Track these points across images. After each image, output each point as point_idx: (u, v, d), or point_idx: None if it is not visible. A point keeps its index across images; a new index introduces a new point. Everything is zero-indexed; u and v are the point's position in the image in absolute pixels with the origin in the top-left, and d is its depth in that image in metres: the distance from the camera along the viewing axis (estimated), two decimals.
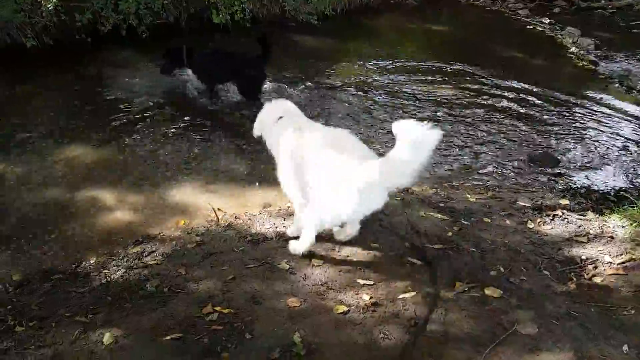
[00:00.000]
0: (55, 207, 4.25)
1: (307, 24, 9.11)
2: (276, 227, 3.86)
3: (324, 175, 3.14)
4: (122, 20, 7.60)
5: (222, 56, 6.27)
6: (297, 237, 3.50)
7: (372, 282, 3.18)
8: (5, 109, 5.75)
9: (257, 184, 4.70)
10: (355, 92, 6.83)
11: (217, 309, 2.93)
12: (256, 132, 3.75)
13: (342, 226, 3.52)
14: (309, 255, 3.46)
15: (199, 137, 5.51)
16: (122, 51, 7.39)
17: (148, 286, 3.18)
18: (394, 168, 2.85)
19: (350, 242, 3.58)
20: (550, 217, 4.12)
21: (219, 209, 4.16)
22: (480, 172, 5.25)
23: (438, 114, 6.38)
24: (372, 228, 3.75)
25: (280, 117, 3.58)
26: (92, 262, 3.56)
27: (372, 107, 6.43)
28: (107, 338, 2.70)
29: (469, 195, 4.50)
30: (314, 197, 3.26)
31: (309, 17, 9.16)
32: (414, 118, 6.05)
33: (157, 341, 2.68)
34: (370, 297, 3.03)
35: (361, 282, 3.19)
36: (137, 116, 5.80)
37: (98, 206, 4.31)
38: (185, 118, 5.87)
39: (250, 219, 4.00)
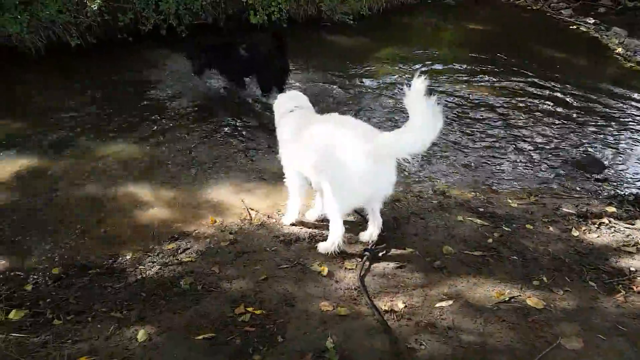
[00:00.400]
0: (94, 202, 4.33)
1: (343, 23, 9.06)
2: (308, 228, 3.82)
3: (332, 153, 3.20)
4: (162, 20, 7.74)
5: (244, 52, 6.31)
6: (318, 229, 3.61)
7: (407, 289, 3.09)
8: (48, 105, 5.91)
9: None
10: (390, 92, 6.73)
11: (250, 309, 2.91)
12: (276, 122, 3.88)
13: (366, 219, 3.50)
14: (342, 257, 3.41)
15: (234, 136, 5.53)
16: (162, 50, 7.51)
17: (182, 283, 3.19)
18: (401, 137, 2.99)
19: (384, 246, 3.50)
20: (596, 225, 3.94)
21: (251, 208, 4.15)
22: (521, 175, 5.07)
23: (476, 115, 6.21)
24: (407, 232, 3.66)
25: (293, 110, 3.68)
26: (128, 257, 3.61)
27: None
28: (141, 335, 2.71)
29: (510, 200, 4.35)
30: (325, 182, 3.28)
31: (344, 17, 9.11)
32: (450, 118, 5.99)
33: (189, 340, 2.68)
34: (405, 305, 2.94)
35: (396, 288, 3.11)
36: (175, 114, 5.87)
37: (135, 202, 4.37)
38: (222, 117, 5.91)
39: (293, 224, 3.95)
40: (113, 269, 3.46)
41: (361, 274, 3.21)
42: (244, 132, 5.61)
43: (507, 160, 5.32)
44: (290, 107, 3.73)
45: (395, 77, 7.25)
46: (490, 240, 3.61)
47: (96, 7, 7.19)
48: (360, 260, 3.38)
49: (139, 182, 4.62)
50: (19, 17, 6.68)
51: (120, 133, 5.44)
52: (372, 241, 3.51)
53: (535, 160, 5.35)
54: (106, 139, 5.33)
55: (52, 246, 3.81)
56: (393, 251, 3.48)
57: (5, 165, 4.75)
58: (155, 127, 5.58)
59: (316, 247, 3.51)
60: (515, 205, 4.27)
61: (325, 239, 3.52)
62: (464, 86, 7.02)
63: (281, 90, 6.02)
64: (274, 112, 3.89)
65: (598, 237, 3.77)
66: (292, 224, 3.86)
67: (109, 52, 7.33)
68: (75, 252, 3.73)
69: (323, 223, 3.77)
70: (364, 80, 7.09)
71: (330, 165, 3.23)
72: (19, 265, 3.61)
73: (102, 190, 4.48)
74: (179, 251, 3.63)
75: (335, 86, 6.75)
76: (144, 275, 3.32)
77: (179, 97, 6.29)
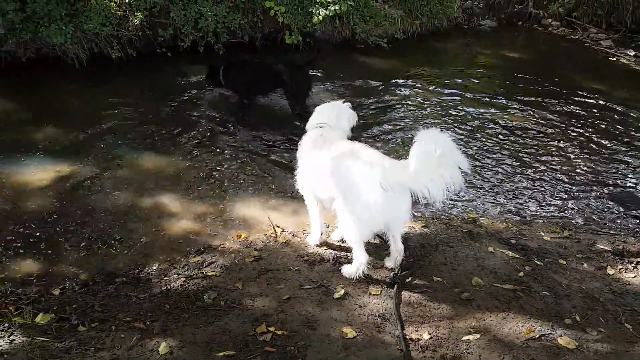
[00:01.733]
0: (124, 211, 4.41)
1: (377, 46, 9.10)
2: (333, 250, 3.78)
3: (346, 182, 3.18)
4: (201, 37, 7.93)
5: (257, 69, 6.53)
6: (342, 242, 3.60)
7: (433, 319, 3.01)
8: (87, 114, 6.08)
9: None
10: (421, 115, 6.69)
11: (271, 329, 2.88)
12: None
13: (387, 245, 3.47)
14: (366, 281, 3.36)
15: (265, 152, 5.57)
16: (199, 66, 7.66)
17: (205, 297, 3.19)
18: (407, 169, 2.96)
19: (410, 272, 3.43)
20: (633, 265, 3.78)
21: (277, 225, 4.15)
22: (555, 208, 4.93)
23: (509, 143, 6.10)
24: (435, 260, 3.59)
25: (319, 126, 3.64)
26: (154, 268, 3.64)
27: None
28: (162, 348, 2.70)
29: (542, 233, 4.22)
30: (341, 209, 3.26)
31: (379, 40, 9.15)
32: (482, 145, 5.90)
33: (210, 357, 2.66)
34: (431, 336, 2.86)
35: (421, 318, 3.03)
36: (208, 129, 5.96)
37: (164, 213, 4.43)
38: (254, 133, 5.96)
39: (317, 245, 3.91)
40: (139, 278, 3.49)
41: (397, 302, 3.15)
42: (275, 149, 5.64)
43: (541, 191, 5.19)
44: (315, 123, 3.69)
45: (427, 99, 7.21)
46: (521, 274, 3.50)
47: (138, 22, 7.43)
48: (384, 286, 3.32)
49: (169, 194, 4.68)
50: (64, 28, 6.95)
51: (153, 144, 5.55)
52: (397, 267, 3.44)
53: (570, 193, 5.20)
54: (140, 149, 5.43)
55: (82, 252, 3.89)
56: (420, 279, 3.40)
57: (44, 170, 4.89)
58: (188, 141, 5.67)
59: (340, 269, 3.47)
60: (548, 238, 4.15)
61: (349, 261, 3.48)
62: (497, 113, 6.92)
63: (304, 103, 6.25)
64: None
65: (635, 277, 3.62)
66: (317, 244, 3.83)
67: (148, 66, 7.53)
68: (103, 260, 3.79)
69: (348, 244, 3.72)
70: (392, 102, 7.07)
71: (344, 194, 3.23)
72: (49, 269, 3.68)
73: (133, 200, 4.56)
74: (204, 264, 3.64)
75: (363, 107, 6.76)
76: (169, 287, 3.33)
77: (212, 112, 6.39)
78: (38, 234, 4.06)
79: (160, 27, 7.76)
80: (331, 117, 3.72)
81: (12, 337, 2.75)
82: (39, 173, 4.83)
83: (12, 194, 4.52)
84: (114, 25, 7.37)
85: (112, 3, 7.28)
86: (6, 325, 2.85)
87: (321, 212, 3.74)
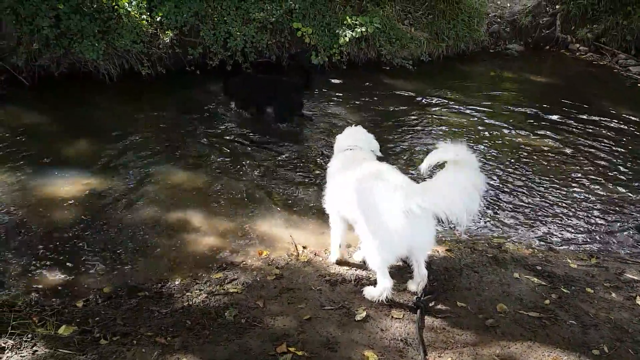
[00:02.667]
0: (149, 226, 4.46)
1: (403, 68, 9.14)
2: (355, 270, 3.75)
3: (369, 204, 3.17)
4: (229, 56, 8.10)
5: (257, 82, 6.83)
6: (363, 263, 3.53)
7: (456, 346, 2.95)
8: (116, 129, 6.21)
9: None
10: (444, 138, 6.65)
11: (292, 349, 2.86)
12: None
13: (410, 267, 3.43)
14: (388, 304, 3.31)
15: (290, 170, 5.60)
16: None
17: (227, 315, 3.19)
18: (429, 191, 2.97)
19: (433, 296, 3.38)
20: None
21: (300, 244, 4.14)
22: (582, 235, 4.82)
23: (536, 168, 6.00)
24: (459, 285, 3.53)
25: (348, 149, 3.66)
26: (176, 283, 3.66)
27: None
28: None
29: (569, 260, 4.12)
30: (364, 233, 3.25)
31: (404, 62, 9.20)
32: (507, 170, 5.82)
33: None
34: None
35: (445, 344, 2.97)
36: (233, 146, 6.03)
37: (187, 228, 4.47)
38: (279, 151, 6.01)
39: (334, 263, 3.90)
40: (161, 293, 3.51)
41: (420, 326, 3.10)
42: (300, 167, 5.67)
43: (568, 218, 5.08)
44: (345, 146, 3.72)
45: (450, 122, 7.17)
46: (547, 302, 3.41)
47: (168, 40, 7.62)
48: (407, 310, 3.27)
49: (194, 209, 4.73)
50: (96, 44, 7.17)
51: (179, 160, 5.63)
52: (420, 292, 3.39)
53: (599, 220, 5.08)
54: (166, 165, 5.52)
55: (106, 265, 3.93)
56: (443, 304, 3.34)
57: (73, 183, 4.99)
58: (214, 157, 5.75)
59: (362, 290, 3.43)
60: (575, 266, 4.05)
61: (371, 282, 3.45)
62: (524, 137, 6.85)
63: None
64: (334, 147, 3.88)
65: None
66: (338, 262, 3.83)
67: (177, 83, 7.70)
68: (127, 273, 3.83)
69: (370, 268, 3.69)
70: (416, 124, 7.05)
71: (366, 217, 3.21)
72: (73, 280, 3.74)
73: (159, 214, 4.61)
74: (226, 281, 3.65)
75: (386, 128, 6.77)
76: (191, 303, 3.35)
77: (238, 130, 6.47)
78: (64, 245, 4.13)
79: (189, 45, 7.97)
80: (361, 139, 3.77)
81: (34, 349, 2.78)
82: (67, 186, 4.94)
83: (40, 205, 4.62)
84: (144, 43, 7.57)
85: (144, 21, 7.50)
86: (29, 336, 2.88)
87: (345, 232, 3.73)
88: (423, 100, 7.95)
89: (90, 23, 7.14)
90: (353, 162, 3.50)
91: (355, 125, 3.97)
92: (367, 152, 3.70)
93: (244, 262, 3.94)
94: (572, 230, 4.89)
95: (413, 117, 7.29)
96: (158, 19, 7.64)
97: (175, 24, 7.74)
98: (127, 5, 7.39)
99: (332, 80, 8.38)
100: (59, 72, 7.33)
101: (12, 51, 7.02)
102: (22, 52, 6.99)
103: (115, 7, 7.33)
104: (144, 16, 7.53)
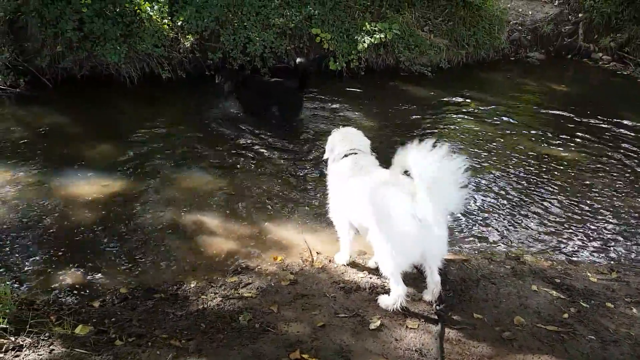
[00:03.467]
0: (166, 228, 4.50)
1: (421, 74, 9.10)
2: (370, 278, 3.73)
3: (381, 210, 3.15)
4: (248, 61, 8.15)
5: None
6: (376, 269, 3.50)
7: (473, 358, 2.91)
8: (137, 131, 6.29)
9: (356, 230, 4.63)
10: (461, 145, 6.60)
11: (305, 356, 2.85)
12: (326, 155, 3.83)
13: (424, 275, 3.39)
14: (403, 314, 3.28)
15: (307, 175, 5.61)
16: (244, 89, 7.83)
17: (241, 319, 3.19)
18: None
19: (451, 308, 3.34)
20: None
21: (314, 250, 4.13)
22: (603, 248, 4.72)
23: (555, 179, 5.91)
24: (476, 296, 3.48)
25: (348, 154, 3.59)
26: (192, 285, 3.67)
27: (481, 165, 6.13)
28: None
29: (589, 274, 4.04)
30: (376, 238, 3.23)
31: (423, 69, 9.16)
32: (525, 180, 5.74)
33: None
34: None
35: (460, 355, 2.93)
36: (251, 150, 6.05)
37: (204, 231, 4.49)
38: (297, 156, 6.02)
39: (344, 265, 3.92)
40: (177, 295, 3.53)
41: (441, 336, 3.06)
42: (316, 172, 5.66)
43: (589, 230, 4.98)
44: (344, 152, 3.62)
45: (469, 130, 7.11)
46: (565, 316, 3.35)
47: (189, 44, 7.71)
48: (422, 320, 3.24)
49: (210, 212, 4.76)
50: (118, 48, 7.28)
51: (197, 163, 5.68)
52: (435, 300, 3.35)
53: (619, 233, 4.97)
54: (184, 167, 5.57)
55: (123, 266, 3.97)
56: (459, 315, 3.30)
57: (92, 183, 5.07)
58: (231, 161, 5.78)
59: (376, 299, 3.41)
60: (595, 280, 3.97)
61: (386, 291, 3.42)
62: (543, 147, 6.75)
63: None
64: (326, 150, 3.80)
65: None
66: (348, 265, 3.85)
67: (196, 87, 7.77)
68: (144, 275, 3.86)
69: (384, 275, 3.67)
70: (432, 131, 7.01)
71: (378, 222, 3.19)
72: (91, 280, 3.78)
73: (175, 217, 4.65)
74: (241, 285, 3.65)
75: (402, 134, 6.73)
76: (206, 306, 3.36)
77: (256, 134, 6.49)
78: (82, 245, 4.19)
79: (209, 50, 8.04)
80: (362, 143, 3.71)
81: (51, 347, 2.81)
82: (88, 186, 5.01)
83: (60, 205, 4.70)
84: (165, 47, 7.67)
85: (165, 26, 7.60)
86: (47, 334, 2.91)
87: (353, 238, 3.76)
88: (441, 107, 7.89)
89: (113, 27, 7.26)
90: (360, 169, 3.46)
91: (344, 127, 3.91)
92: (369, 155, 3.64)
93: (259, 267, 3.94)
94: (593, 243, 4.79)
95: (430, 124, 7.25)
96: (179, 24, 7.73)
97: (196, 28, 7.83)
98: (149, 9, 7.49)
99: (349, 86, 8.38)
100: (81, 74, 7.46)
101: (36, 53, 7.17)
102: (46, 54, 7.14)
103: (138, 11, 7.44)
104: (166, 20, 7.63)
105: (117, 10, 7.38)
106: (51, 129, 6.17)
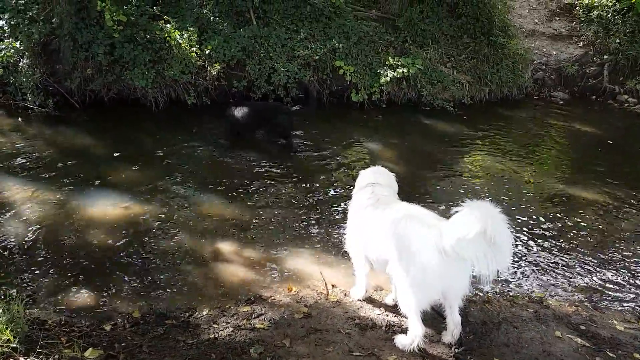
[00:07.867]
0: (182, 253, 4.48)
1: (443, 109, 9.09)
2: (386, 315, 3.62)
3: (402, 242, 3.09)
4: (272, 90, 8.26)
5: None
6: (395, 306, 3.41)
7: None
8: (159, 154, 6.37)
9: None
10: (480, 183, 6.49)
11: None
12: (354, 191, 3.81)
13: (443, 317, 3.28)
14: (421, 355, 3.16)
15: (326, 206, 5.55)
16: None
17: (252, 351, 3.11)
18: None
19: (470, 352, 3.20)
20: None
21: (330, 283, 4.05)
22: (630, 295, 4.53)
23: (580, 222, 5.74)
24: (497, 340, 3.34)
25: (367, 186, 3.57)
26: (204, 313, 3.61)
27: (503, 204, 6.00)
28: None
29: (615, 322, 3.87)
30: (397, 272, 3.15)
31: (445, 104, 9.15)
32: (549, 222, 5.59)
33: None
34: None
35: None
36: (270, 179, 6.05)
37: (219, 258, 4.46)
38: (316, 185, 5.99)
39: (360, 300, 3.82)
40: (188, 322, 3.47)
41: None
42: (336, 203, 5.62)
43: (614, 275, 4.80)
44: (365, 183, 3.62)
45: (488, 167, 7.01)
46: None
47: (215, 72, 7.86)
48: None
49: (226, 239, 4.73)
50: (146, 73, 7.47)
51: (218, 190, 5.68)
52: (455, 342, 3.22)
53: None
54: (203, 193, 5.58)
55: (137, 289, 3.94)
56: (480, 358, 3.16)
57: (112, 205, 5.10)
58: (251, 189, 5.77)
59: (393, 338, 3.30)
60: (622, 328, 3.79)
61: (403, 330, 3.31)
62: (568, 187, 6.60)
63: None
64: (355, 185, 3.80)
65: None
66: (364, 300, 3.77)
67: (220, 114, 7.84)
68: (156, 299, 3.82)
69: (403, 313, 3.55)
70: (451, 167, 6.94)
71: (399, 255, 3.11)
72: (103, 302, 3.75)
73: (192, 242, 4.63)
74: (253, 315, 3.58)
75: (419, 168, 6.69)
76: (217, 335, 3.29)
77: (276, 162, 6.51)
78: (98, 266, 4.18)
79: (235, 78, 8.17)
80: (382, 178, 3.70)
81: None
82: (108, 207, 5.04)
83: (79, 225, 4.72)
84: (192, 74, 7.83)
85: (193, 53, 7.77)
86: (56, 357, 2.87)
87: (369, 273, 3.69)
88: (461, 144, 7.83)
89: (143, 52, 7.46)
90: (378, 202, 3.42)
91: (377, 166, 3.92)
92: (387, 188, 3.60)
93: (272, 297, 3.87)
94: (619, 289, 4.61)
95: (450, 159, 7.18)
96: (207, 52, 7.90)
97: (223, 57, 7.99)
98: (179, 37, 7.68)
99: (370, 117, 8.40)
100: (109, 97, 7.64)
101: (66, 75, 7.39)
102: (76, 77, 7.35)
103: (167, 38, 7.63)
104: (194, 48, 7.80)
105: (148, 36, 7.59)
106: (75, 149, 6.29)
